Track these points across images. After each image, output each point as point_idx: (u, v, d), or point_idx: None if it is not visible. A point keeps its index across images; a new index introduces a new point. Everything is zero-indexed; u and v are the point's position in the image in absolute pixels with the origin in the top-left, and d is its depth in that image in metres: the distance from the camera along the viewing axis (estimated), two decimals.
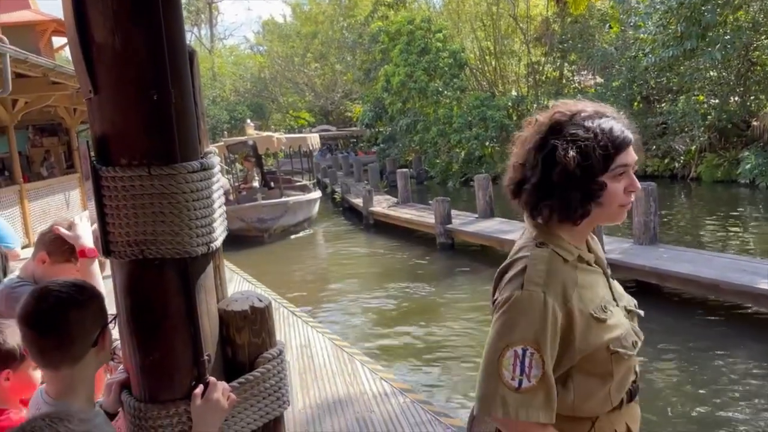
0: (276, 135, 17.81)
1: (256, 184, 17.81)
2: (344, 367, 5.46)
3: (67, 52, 21.95)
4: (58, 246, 2.25)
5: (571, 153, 1.45)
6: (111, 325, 1.50)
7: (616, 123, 1.51)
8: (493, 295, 1.56)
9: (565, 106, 1.55)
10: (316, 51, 41.65)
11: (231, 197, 16.38)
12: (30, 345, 1.38)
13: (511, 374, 1.42)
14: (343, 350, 5.92)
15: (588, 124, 1.49)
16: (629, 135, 1.51)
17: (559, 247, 1.51)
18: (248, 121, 20.70)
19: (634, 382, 1.61)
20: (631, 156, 1.51)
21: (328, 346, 6.09)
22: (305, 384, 5.13)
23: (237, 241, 13.95)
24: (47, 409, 1.39)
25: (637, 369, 1.62)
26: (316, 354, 5.89)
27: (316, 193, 18.47)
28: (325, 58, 41.32)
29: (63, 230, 2.21)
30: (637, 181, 1.53)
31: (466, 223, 13.21)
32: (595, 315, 1.47)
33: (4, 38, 8.64)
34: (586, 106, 1.54)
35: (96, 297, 1.44)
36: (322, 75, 42.82)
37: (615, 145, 1.47)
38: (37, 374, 1.85)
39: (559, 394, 1.48)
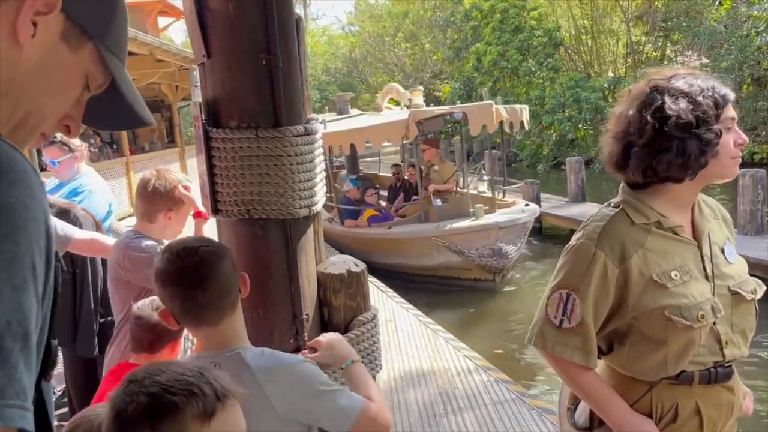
0: (494, 105, 9.16)
1: (474, 190, 10.95)
2: (428, 343, 5.50)
3: (170, 32, 23.00)
4: (178, 198, 2.39)
5: (683, 103, 1.46)
6: None
7: (713, 80, 1.53)
8: None
9: (659, 72, 1.57)
10: (407, 30, 41.45)
11: (388, 210, 10.24)
12: (189, 304, 1.35)
13: (554, 312, 1.56)
14: (428, 326, 5.96)
15: (689, 80, 1.51)
16: (730, 91, 1.53)
17: (632, 209, 1.55)
18: (395, 85, 13.00)
19: (723, 365, 1.56)
20: (732, 111, 1.52)
21: (413, 321, 6.15)
22: (390, 357, 5.20)
23: (426, 291, 8.68)
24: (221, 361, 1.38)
25: (728, 353, 1.56)
26: (401, 328, 5.95)
27: (534, 206, 10.19)
28: (416, 38, 41.08)
29: (185, 192, 2.39)
30: (743, 133, 1.52)
31: (555, 206, 12.87)
32: (655, 279, 1.50)
33: None
34: (679, 70, 1.56)
35: (227, 248, 1.47)
36: (411, 55, 42.62)
37: (721, 97, 1.49)
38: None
39: (615, 349, 1.57)
